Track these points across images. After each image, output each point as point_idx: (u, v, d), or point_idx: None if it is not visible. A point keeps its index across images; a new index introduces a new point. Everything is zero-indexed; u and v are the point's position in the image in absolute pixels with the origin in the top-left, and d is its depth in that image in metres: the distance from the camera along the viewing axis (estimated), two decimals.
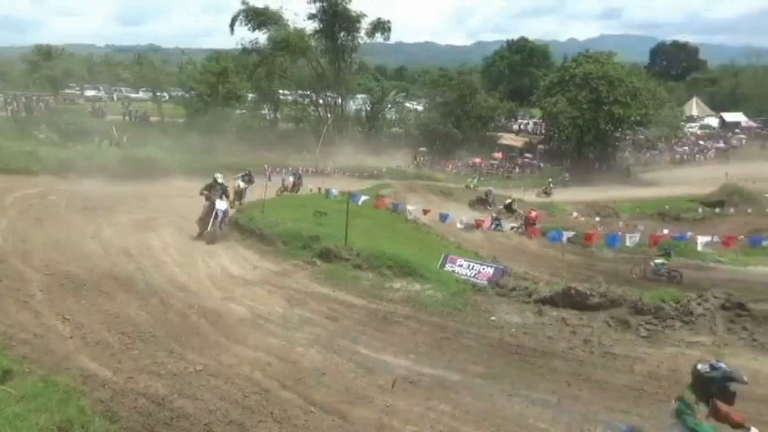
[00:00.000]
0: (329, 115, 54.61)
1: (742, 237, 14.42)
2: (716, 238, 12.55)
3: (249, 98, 52.11)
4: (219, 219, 14.56)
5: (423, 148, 54.84)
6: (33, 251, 11.83)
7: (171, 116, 48.88)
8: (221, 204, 14.63)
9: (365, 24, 54.28)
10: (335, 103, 56.09)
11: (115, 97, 59.16)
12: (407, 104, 64.58)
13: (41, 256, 11.57)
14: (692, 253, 18.68)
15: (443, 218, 14.56)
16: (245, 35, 53.39)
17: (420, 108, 63.11)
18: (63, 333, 8.10)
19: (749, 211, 31.78)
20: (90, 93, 59.29)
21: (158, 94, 51.71)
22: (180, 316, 9.25)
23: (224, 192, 15.19)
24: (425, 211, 15.64)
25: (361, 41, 55.20)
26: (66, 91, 54.08)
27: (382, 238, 14.69)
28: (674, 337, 8.81)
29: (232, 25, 52.80)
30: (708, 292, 9.74)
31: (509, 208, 27.15)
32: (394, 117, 60.80)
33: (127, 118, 48.56)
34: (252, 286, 11.20)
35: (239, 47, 53.53)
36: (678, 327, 9.01)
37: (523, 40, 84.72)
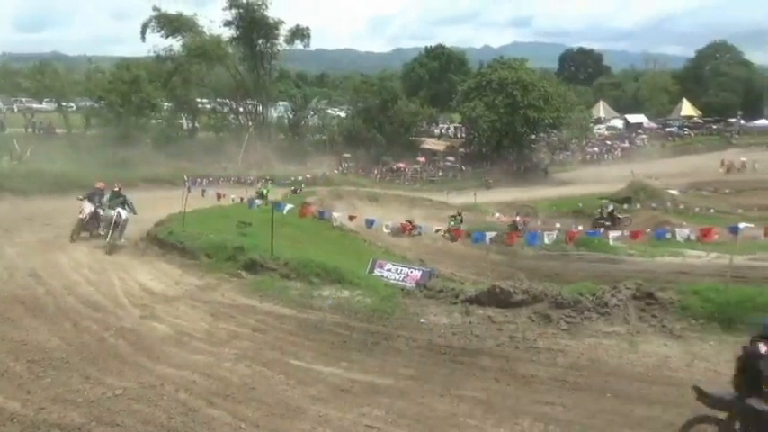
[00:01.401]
0: (250, 123, 53.69)
1: (649, 230, 15.40)
2: (625, 233, 13.30)
3: (165, 107, 50.26)
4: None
5: (347, 155, 55.01)
6: None
7: (79, 127, 46.24)
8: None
9: (284, 31, 53.91)
10: (256, 110, 55.22)
11: (15, 108, 55.20)
12: (330, 111, 64.63)
13: None
14: (605, 247, 19.78)
15: (369, 223, 14.62)
16: (158, 42, 51.41)
17: (343, 114, 63.32)
18: None
19: (654, 206, 34.15)
20: None
21: (64, 104, 48.78)
22: (96, 339, 8.72)
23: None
24: (352, 218, 15.63)
25: (280, 48, 54.72)
26: None
27: (309, 246, 14.59)
28: (591, 328, 9.25)
29: (143, 32, 50.94)
30: (620, 284, 10.30)
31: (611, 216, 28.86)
32: (317, 124, 60.61)
33: (30, 130, 45.44)
34: (174, 302, 10.75)
35: (152, 54, 51.59)
36: (595, 318, 9.46)
37: (441, 47, 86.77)
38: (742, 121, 67.75)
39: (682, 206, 36.36)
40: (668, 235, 13.21)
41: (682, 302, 9.49)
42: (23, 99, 55.01)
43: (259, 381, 7.66)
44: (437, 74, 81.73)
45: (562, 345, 8.86)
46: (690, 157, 56.13)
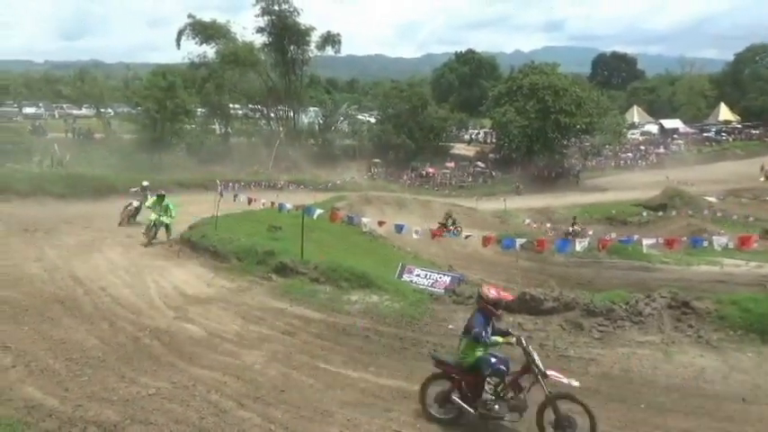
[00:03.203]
0: (281, 129, 54.31)
1: (684, 238, 15.03)
2: (660, 240, 12.99)
3: (198, 113, 51.23)
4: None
5: (376, 160, 55.13)
6: None
7: (117, 133, 47.49)
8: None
9: (315, 37, 54.42)
10: (287, 116, 55.86)
11: (57, 114, 57.04)
12: (360, 116, 64.87)
13: None
14: (639, 255, 19.36)
15: (399, 228, 14.61)
16: (193, 49, 52.56)
17: (372, 120, 63.49)
18: (4, 362, 7.70)
19: (690, 213, 33.25)
20: (29, 110, 56.99)
21: (102, 110, 50.20)
22: (131, 339, 8.93)
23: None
24: (381, 223, 15.65)
25: (311, 54, 55.23)
26: (3, 109, 51.82)
27: (339, 251, 14.65)
28: (624, 338, 9.07)
29: (179, 39, 51.97)
30: (655, 293, 10.08)
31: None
32: (347, 129, 60.92)
33: (70, 135, 46.87)
34: (206, 304, 10.94)
35: (187, 61, 52.72)
36: (628, 327, 9.28)
37: (471, 52, 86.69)
38: None
39: (719, 213, 35.33)
40: (705, 243, 12.87)
41: (719, 312, 9.23)
42: (64, 105, 56.85)
43: (288, 383, 7.73)
44: (467, 79, 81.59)
45: (594, 354, 8.71)
46: (728, 163, 54.49)
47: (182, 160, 43.83)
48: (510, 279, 16.52)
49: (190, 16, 52.29)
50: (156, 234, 16.12)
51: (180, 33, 51.91)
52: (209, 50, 52.36)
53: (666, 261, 20.59)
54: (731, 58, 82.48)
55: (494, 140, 60.65)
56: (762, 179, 48.85)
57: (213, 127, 55.41)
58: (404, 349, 9.04)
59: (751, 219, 33.37)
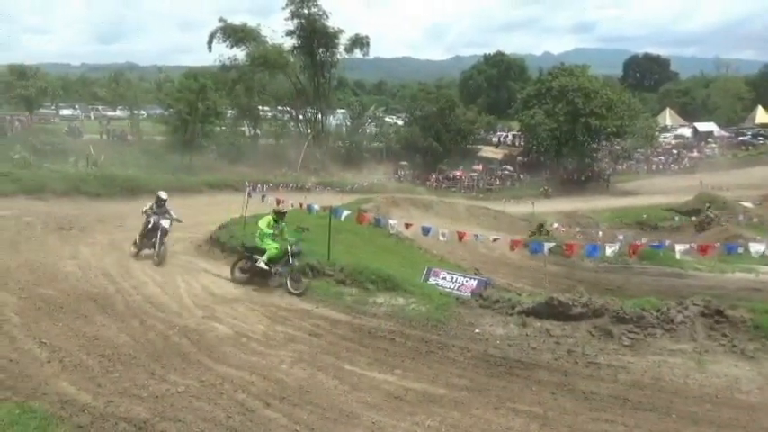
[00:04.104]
0: (309, 131, 54.81)
1: (718, 244, 14.66)
2: (693, 246, 12.69)
3: (229, 115, 52.02)
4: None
5: (404, 162, 55.19)
6: (8, 274, 11.54)
7: (149, 134, 48.50)
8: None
9: (343, 40, 54.92)
10: (315, 118, 56.34)
11: (92, 116, 58.62)
12: (387, 119, 65.07)
13: (16, 278, 11.30)
14: (671, 261, 18.94)
15: (426, 231, 14.57)
16: (223, 52, 53.48)
17: (400, 122, 63.62)
18: (40, 357, 7.90)
19: (725, 219, 32.39)
20: (66, 112, 58.67)
21: (136, 112, 51.34)
22: (161, 336, 9.09)
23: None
24: (408, 225, 15.62)
25: (339, 57, 55.71)
26: (42, 110, 53.43)
27: (365, 253, 14.67)
28: (655, 345, 8.89)
29: (210, 42, 52.95)
30: (687, 300, 9.84)
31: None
32: (374, 132, 61.16)
33: (104, 137, 48.07)
34: (234, 304, 11.07)
35: (217, 64, 53.64)
36: (659, 335, 9.09)
37: (500, 54, 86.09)
38: None
39: (755, 219, 34.37)
40: (740, 250, 12.52)
41: (754, 321, 8.99)
42: (99, 107, 58.34)
43: (314, 384, 7.77)
44: (495, 81, 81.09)
45: (624, 361, 8.55)
46: (764, 168, 52.92)
47: (212, 161, 44.56)
48: (537, 284, 16.34)
49: (221, 20, 53.27)
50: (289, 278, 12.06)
51: (211, 36, 52.90)
52: (240, 53, 53.33)
53: (699, 268, 20.08)
54: None
55: (522, 143, 60.16)
56: None
57: (243, 129, 56.27)
58: (430, 353, 9.01)
59: None
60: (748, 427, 6.81)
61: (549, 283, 14.07)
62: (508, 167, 55.96)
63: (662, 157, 58.97)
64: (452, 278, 12.68)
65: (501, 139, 66.34)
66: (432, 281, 12.76)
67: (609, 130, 50.24)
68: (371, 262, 12.96)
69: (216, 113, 46.33)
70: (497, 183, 53.21)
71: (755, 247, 12.07)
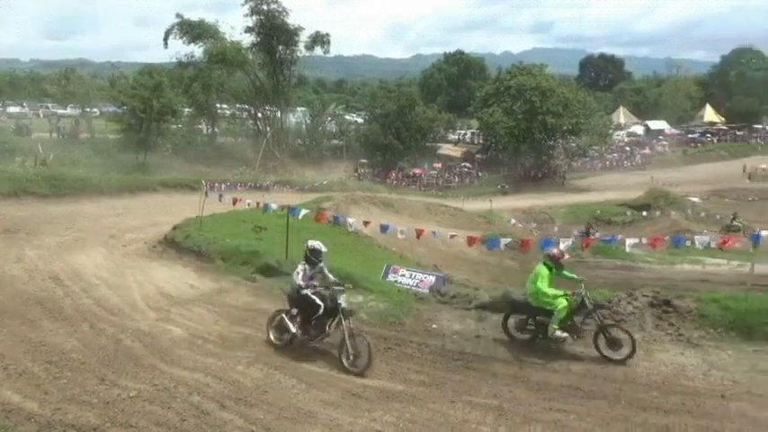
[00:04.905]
0: (268, 129, 54.08)
1: (667, 237, 15.17)
2: (643, 240, 13.11)
3: (185, 113, 50.94)
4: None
5: (364, 160, 55.15)
6: None
7: (102, 132, 47.06)
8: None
9: (304, 37, 54.24)
10: (275, 116, 55.63)
11: (41, 114, 56.43)
12: (347, 117, 64.86)
13: None
14: (622, 254, 19.51)
15: (384, 229, 14.61)
16: (180, 49, 52.27)
17: (360, 120, 63.52)
18: None
19: (673, 213, 33.61)
20: (13, 109, 56.34)
21: (88, 109, 49.73)
22: (112, 341, 8.84)
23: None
24: (366, 223, 15.63)
25: (299, 55, 55.05)
26: None
27: None
28: None
29: (166, 39, 51.62)
30: (637, 291, 10.19)
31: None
32: (334, 129, 60.91)
33: (54, 135, 46.36)
34: (189, 305, 10.86)
35: (174, 60, 52.42)
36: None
37: (460, 52, 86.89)
38: (767, 127, 66.50)
39: (702, 214, 35.78)
40: (687, 242, 12.99)
41: (700, 310, 9.38)
42: (49, 105, 56.24)
43: (271, 384, 7.70)
44: (456, 80, 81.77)
45: (577, 352, 8.78)
46: (712, 164, 55.14)
47: (167, 160, 43.57)
48: (495, 279, 16.59)
49: (178, 16, 52.01)
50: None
51: (167, 33, 51.58)
52: (197, 50, 52.18)
53: (649, 260, 20.77)
54: (718, 60, 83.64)
55: (481, 141, 60.96)
56: (746, 180, 49.54)
57: (200, 127, 55.20)
58: (388, 349, 9.04)
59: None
60: (693, 411, 7.08)
61: (506, 278, 14.31)
62: (467, 165, 56.60)
63: (615, 154, 60.66)
64: (411, 275, 12.78)
65: (460, 136, 67.06)
66: (391, 278, 12.83)
67: (565, 128, 51.36)
68: (330, 260, 12.89)
69: (172, 111, 45.29)
70: (456, 180, 53.75)
71: (701, 240, 12.55)
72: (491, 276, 17.35)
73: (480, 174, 55.16)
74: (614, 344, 8.44)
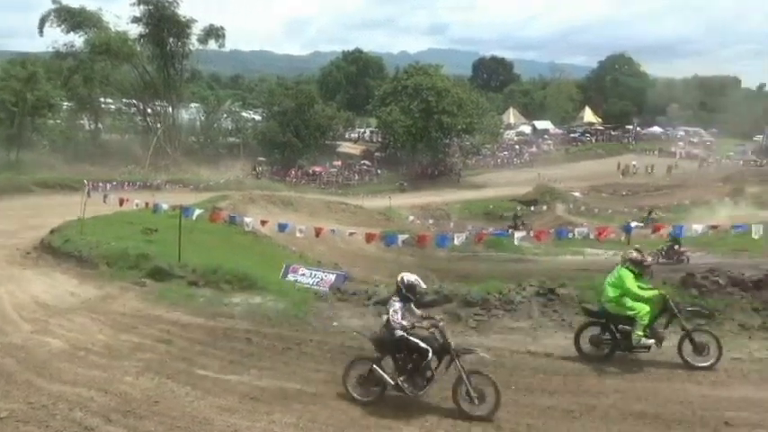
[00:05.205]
0: (159, 125, 51.34)
1: (552, 230, 16.26)
2: (530, 233, 13.95)
3: (64, 107, 47.18)
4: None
5: (262, 158, 53.99)
6: None
7: None
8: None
9: (197, 30, 51.98)
10: (166, 112, 52.88)
11: None
12: (244, 114, 63.18)
13: None
14: (513, 248, 20.64)
15: (282, 228, 14.42)
16: (58, 37, 48.26)
17: (258, 117, 62.06)
18: None
19: (558, 207, 36.04)
20: None
21: None
22: None
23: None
24: (264, 222, 15.34)
25: (192, 48, 52.72)
26: None
27: (220, 253, 14.15)
28: (498, 325, 9.65)
29: (41, 26, 47.53)
30: (525, 282, 10.81)
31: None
32: (230, 127, 59.08)
33: None
34: (69, 315, 10.09)
35: (51, 50, 48.36)
36: (501, 315, 9.89)
37: (358, 51, 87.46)
38: (638, 128, 73.17)
39: (583, 207, 38.67)
40: (569, 234, 13.99)
41: (580, 297, 10.08)
42: None
43: (163, 394, 7.34)
44: (354, 78, 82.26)
45: (471, 342, 9.11)
46: (591, 162, 59.82)
47: (45, 158, 40.26)
48: (392, 274, 16.84)
49: (55, 1, 47.95)
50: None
51: (43, 20, 47.57)
52: (78, 39, 48.55)
53: (537, 253, 22.14)
54: (596, 65, 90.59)
55: (379, 139, 61.80)
56: (620, 176, 54.29)
57: (82, 122, 51.36)
58: (287, 349, 8.92)
59: (610, 211, 36.93)
60: (574, 390, 7.62)
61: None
62: (366, 163, 57.19)
63: (506, 153, 64.00)
64: (311, 274, 12.70)
65: (359, 135, 67.59)
66: (290, 277, 12.68)
67: (459, 127, 53.34)
68: (226, 261, 12.53)
69: (48, 105, 41.85)
70: (356, 178, 54.16)
71: (581, 232, 13.60)
72: (389, 272, 17.63)
73: (379, 171, 55.94)
74: (701, 349, 7.98)
